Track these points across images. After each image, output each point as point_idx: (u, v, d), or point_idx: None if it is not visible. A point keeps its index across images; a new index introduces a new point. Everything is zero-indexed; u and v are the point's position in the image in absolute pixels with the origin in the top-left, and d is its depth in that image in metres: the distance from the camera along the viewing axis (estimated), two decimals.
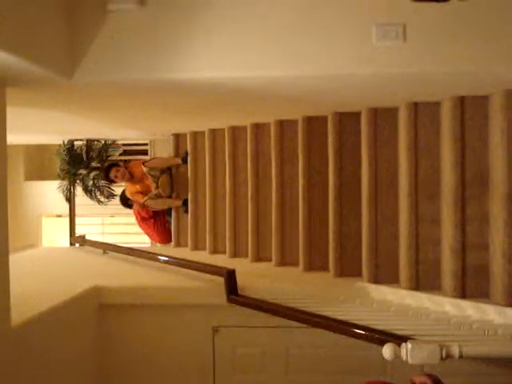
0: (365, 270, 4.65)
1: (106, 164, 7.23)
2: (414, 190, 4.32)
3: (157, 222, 7.06)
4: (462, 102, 4.07)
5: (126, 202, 6.99)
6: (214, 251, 6.12)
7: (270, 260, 5.49)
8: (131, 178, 6.76)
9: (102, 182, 7.53)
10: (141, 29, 3.36)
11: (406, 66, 3.27)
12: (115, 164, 6.97)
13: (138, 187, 6.78)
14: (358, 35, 3.29)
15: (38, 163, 10.84)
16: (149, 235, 7.40)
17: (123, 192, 7.00)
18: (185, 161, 6.54)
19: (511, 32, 3.21)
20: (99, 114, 5.02)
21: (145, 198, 6.67)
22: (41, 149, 10.38)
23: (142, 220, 7.10)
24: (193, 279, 4.76)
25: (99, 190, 7.78)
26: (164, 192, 6.65)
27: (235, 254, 5.88)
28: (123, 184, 7.07)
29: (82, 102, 4.32)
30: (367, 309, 4.22)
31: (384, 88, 3.86)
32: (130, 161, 7.61)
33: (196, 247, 6.35)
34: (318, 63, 3.30)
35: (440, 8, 3.22)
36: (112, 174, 6.73)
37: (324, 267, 5.05)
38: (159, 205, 6.76)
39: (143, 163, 6.69)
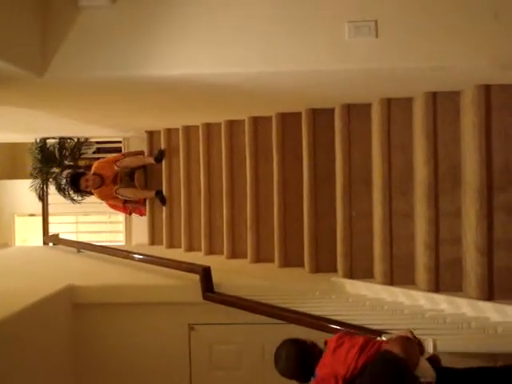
0: (340, 266, 4.67)
1: (69, 177, 6.90)
2: (387, 185, 4.35)
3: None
4: (434, 97, 4.10)
5: (77, 187, 6.68)
6: (190, 249, 6.09)
7: (246, 257, 5.48)
8: (102, 182, 6.50)
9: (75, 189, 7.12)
10: (113, 25, 3.33)
11: (378, 62, 3.30)
12: (80, 173, 6.74)
13: (103, 189, 6.58)
14: (331, 32, 3.30)
15: (10, 162, 10.70)
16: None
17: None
18: (159, 160, 6.38)
19: (481, 28, 3.24)
20: (71, 111, 4.97)
21: (116, 187, 6.55)
22: (13, 147, 10.24)
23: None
24: (168, 277, 4.73)
25: (75, 192, 7.68)
26: (139, 185, 6.60)
27: (211, 252, 5.87)
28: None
29: (54, 100, 4.28)
30: (343, 304, 4.24)
31: (357, 84, 3.88)
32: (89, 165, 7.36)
33: (171, 245, 6.32)
34: (291, 60, 3.30)
35: (412, 4, 3.26)
36: (82, 185, 6.48)
37: (299, 263, 5.06)
38: (130, 193, 6.61)
39: (115, 162, 6.57)
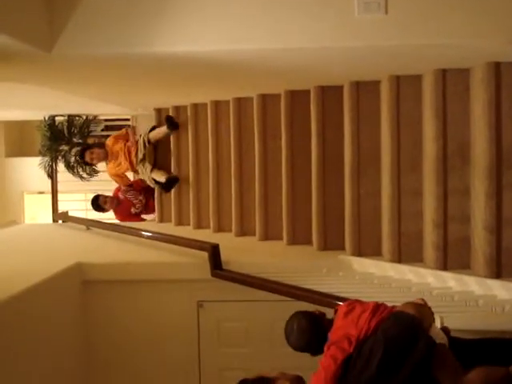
0: (348, 243, 4.68)
1: (77, 150, 7.21)
2: (396, 162, 4.33)
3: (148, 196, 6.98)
4: (443, 74, 4.07)
5: (98, 206, 6.75)
6: (198, 226, 6.11)
7: (254, 234, 5.49)
8: (107, 156, 6.67)
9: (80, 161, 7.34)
10: (120, 1, 3.31)
11: (387, 39, 3.27)
12: (87, 146, 6.91)
13: (116, 167, 6.69)
14: (340, 8, 3.27)
15: (19, 140, 10.73)
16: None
17: (95, 198, 6.78)
18: (173, 126, 6.26)
19: (492, 5, 3.20)
20: (79, 88, 4.97)
21: (142, 167, 6.50)
22: (22, 125, 10.26)
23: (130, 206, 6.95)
24: (177, 254, 4.76)
25: (81, 166, 7.70)
26: (149, 161, 6.55)
27: (219, 229, 5.88)
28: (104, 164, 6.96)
29: (61, 76, 4.27)
30: (350, 281, 4.25)
31: (366, 61, 3.85)
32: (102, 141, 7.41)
33: (180, 222, 6.33)
34: (300, 36, 3.28)
35: None
36: (87, 158, 6.67)
37: (307, 241, 5.07)
38: (163, 176, 6.44)
39: (151, 130, 6.55)
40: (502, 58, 3.76)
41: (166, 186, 6.34)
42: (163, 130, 6.37)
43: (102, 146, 6.80)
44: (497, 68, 3.81)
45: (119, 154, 6.61)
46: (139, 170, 6.59)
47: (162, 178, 6.40)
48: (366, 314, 2.70)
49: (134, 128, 7.34)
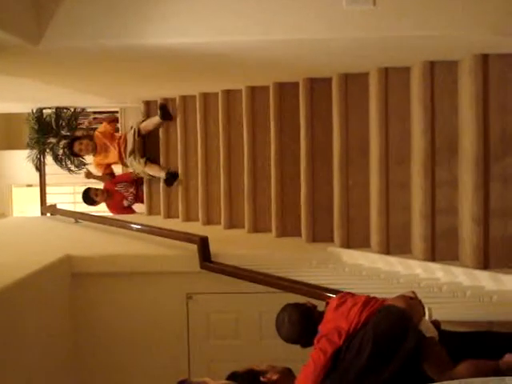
0: (337, 235, 4.70)
1: (65, 142, 7.09)
2: (384, 155, 4.35)
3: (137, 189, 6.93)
4: (431, 66, 4.08)
5: (89, 199, 6.71)
6: (187, 219, 6.10)
7: (243, 227, 5.50)
8: (95, 148, 6.60)
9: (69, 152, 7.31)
10: None
11: (375, 31, 3.27)
12: (77, 137, 6.81)
13: (104, 158, 6.67)
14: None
15: (6, 132, 10.67)
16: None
17: (86, 190, 6.75)
18: (166, 116, 6.15)
19: None
20: (68, 80, 4.94)
21: (132, 160, 6.37)
22: (9, 118, 10.20)
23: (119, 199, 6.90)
24: (166, 247, 4.75)
25: (69, 158, 7.67)
26: (140, 154, 6.43)
27: (208, 222, 5.87)
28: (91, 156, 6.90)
29: (49, 69, 4.24)
30: (339, 273, 4.27)
31: (354, 53, 3.86)
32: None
33: (169, 215, 6.32)
34: (288, 28, 3.28)
35: None
36: (76, 148, 6.60)
37: (297, 233, 5.08)
38: (157, 171, 6.33)
39: (141, 122, 6.42)
40: (490, 50, 3.78)
41: (168, 181, 6.20)
42: (156, 119, 6.26)
43: (91, 137, 6.71)
44: (484, 60, 3.83)
45: (108, 146, 6.56)
46: (129, 163, 6.50)
47: (159, 172, 6.27)
48: (356, 307, 2.71)
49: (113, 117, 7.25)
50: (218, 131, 5.70)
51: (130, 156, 6.38)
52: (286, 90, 5.12)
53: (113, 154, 6.59)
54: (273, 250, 4.84)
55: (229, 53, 3.68)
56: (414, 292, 2.85)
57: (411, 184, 4.31)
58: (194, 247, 4.44)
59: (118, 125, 6.59)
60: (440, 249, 4.15)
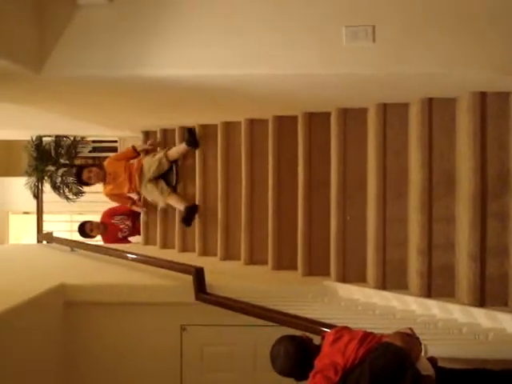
0: (333, 269, 4.68)
1: (75, 168, 6.75)
2: (382, 190, 4.36)
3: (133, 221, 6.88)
4: (430, 103, 4.12)
5: (85, 233, 6.69)
6: (183, 249, 6.08)
7: (239, 259, 5.48)
8: (104, 177, 6.23)
9: (71, 179, 7.33)
10: (110, 25, 3.36)
11: (375, 67, 3.31)
12: (85, 165, 6.67)
13: (116, 188, 6.26)
14: (328, 35, 3.33)
15: (5, 159, 10.69)
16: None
17: (81, 225, 6.72)
18: (193, 143, 5.82)
19: (479, 34, 3.26)
20: (68, 109, 4.97)
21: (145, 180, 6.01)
22: (8, 145, 10.23)
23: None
24: (161, 277, 4.73)
25: (67, 186, 7.68)
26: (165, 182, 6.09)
27: (204, 253, 5.85)
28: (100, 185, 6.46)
29: (50, 97, 4.28)
30: (335, 307, 4.25)
31: (354, 89, 3.90)
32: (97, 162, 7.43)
33: (165, 245, 6.30)
34: (288, 62, 3.32)
35: (410, 10, 3.28)
36: (85, 176, 6.23)
37: (293, 266, 5.05)
38: (161, 198, 6.06)
39: (168, 149, 6.06)
40: (489, 87, 3.82)
41: (186, 218, 5.85)
42: (182, 147, 5.93)
43: (100, 166, 6.49)
44: (482, 98, 3.87)
45: (120, 174, 6.17)
46: (144, 191, 6.15)
47: (179, 204, 5.98)
48: (353, 343, 2.68)
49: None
50: (216, 163, 5.71)
51: (149, 183, 6.04)
52: (285, 124, 5.15)
53: (125, 182, 6.19)
54: (268, 282, 4.82)
55: (228, 86, 3.72)
56: (411, 329, 2.83)
57: (408, 219, 4.32)
58: (190, 278, 4.42)
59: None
60: (436, 285, 4.14)
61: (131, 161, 6.22)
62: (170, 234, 6.26)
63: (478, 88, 3.83)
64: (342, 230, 4.61)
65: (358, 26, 3.31)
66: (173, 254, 5.81)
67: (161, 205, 6.15)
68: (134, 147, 6.38)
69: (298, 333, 3.12)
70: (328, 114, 4.76)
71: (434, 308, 3.97)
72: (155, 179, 6.04)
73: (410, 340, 2.68)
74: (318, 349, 2.83)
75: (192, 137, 5.82)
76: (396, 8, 3.31)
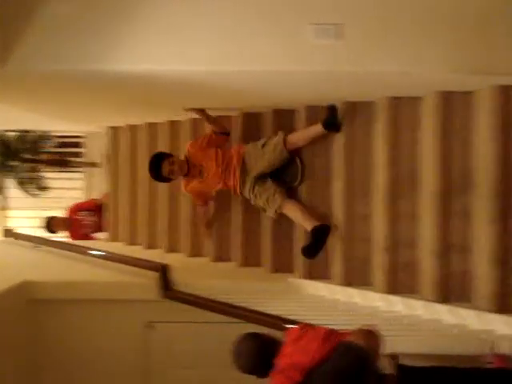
0: (298, 266, 4.69)
1: (151, 158, 4.80)
2: (347, 187, 4.38)
3: None
4: (395, 102, 4.16)
5: (50, 229, 6.62)
6: (151, 246, 6.03)
7: (207, 255, 5.46)
8: (188, 170, 4.78)
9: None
10: (74, 19, 3.32)
11: (341, 65, 3.35)
12: (164, 155, 4.83)
13: (200, 184, 4.85)
14: (296, 32, 3.36)
15: None
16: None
17: (46, 220, 6.66)
18: (332, 125, 4.28)
19: (447, 35, 3.33)
20: (32, 103, 4.90)
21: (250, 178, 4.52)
22: None
23: None
24: (127, 274, 4.70)
25: (32, 182, 7.57)
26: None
27: (171, 249, 5.81)
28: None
29: (14, 92, 4.22)
30: (301, 304, 4.28)
31: (320, 86, 3.92)
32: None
33: (132, 242, 6.23)
34: (255, 59, 3.34)
35: (378, 9, 3.32)
36: (165, 170, 4.68)
37: (259, 263, 5.05)
38: (262, 201, 4.53)
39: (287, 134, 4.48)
40: (454, 87, 3.87)
41: (314, 245, 4.23)
42: (316, 129, 4.38)
43: (172, 155, 4.91)
44: (448, 97, 3.93)
45: (209, 167, 4.73)
46: (247, 192, 4.64)
47: (302, 219, 4.38)
48: (316, 342, 2.68)
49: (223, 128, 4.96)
50: None
51: (254, 181, 4.56)
52: (253, 120, 5.13)
53: (216, 179, 4.75)
54: (235, 279, 4.81)
55: (194, 81, 3.71)
56: (374, 326, 2.84)
57: (373, 216, 4.35)
58: (156, 275, 4.40)
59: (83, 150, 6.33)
60: (400, 281, 4.17)
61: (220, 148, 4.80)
62: (136, 230, 6.20)
63: (443, 88, 3.89)
64: None
65: (326, 24, 3.33)
66: (140, 251, 5.78)
67: (270, 214, 4.58)
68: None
69: (264, 330, 3.12)
70: (296, 112, 4.76)
71: (398, 304, 4.02)
72: (262, 177, 4.57)
73: (373, 338, 2.69)
74: (280, 346, 2.82)
75: (333, 116, 4.27)
76: (365, 7, 3.35)
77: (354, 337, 2.66)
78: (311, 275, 4.60)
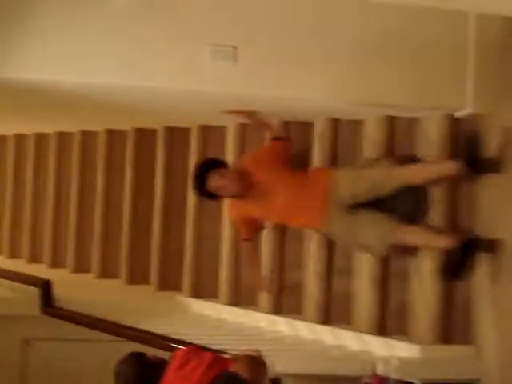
0: (186, 284, 4.67)
1: (197, 166, 3.78)
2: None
3: None
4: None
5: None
6: (33, 260, 5.80)
7: (91, 271, 5.32)
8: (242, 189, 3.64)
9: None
10: None
11: (233, 86, 3.44)
12: (211, 162, 3.73)
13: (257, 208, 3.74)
14: (191, 52, 3.41)
15: None
16: None
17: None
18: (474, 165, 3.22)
19: (333, 67, 3.51)
20: None
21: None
22: None
23: None
24: (5, 288, 4.51)
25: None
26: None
27: (55, 265, 5.60)
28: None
29: None
30: (187, 323, 4.27)
31: (212, 107, 3.98)
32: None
33: (13, 255, 5.97)
34: (148, 74, 3.39)
35: (271, 36, 3.42)
36: (212, 184, 3.59)
37: (146, 280, 4.98)
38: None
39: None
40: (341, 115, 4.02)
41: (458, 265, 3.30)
42: (447, 166, 3.36)
43: (226, 164, 3.81)
44: (335, 124, 4.06)
45: (275, 188, 3.62)
46: (333, 225, 3.62)
47: (431, 239, 3.44)
48: (200, 369, 2.61)
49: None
50: (71, 173, 5.52)
51: (344, 212, 3.56)
52: (145, 137, 5.09)
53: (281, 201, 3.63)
54: (120, 297, 4.73)
55: (87, 94, 3.68)
56: (257, 351, 2.80)
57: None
58: (36, 290, 4.25)
59: None
60: (286, 303, 4.23)
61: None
62: (19, 243, 5.94)
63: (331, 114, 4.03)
64: (197, 246, 4.63)
65: (221, 46, 3.41)
66: (21, 265, 5.54)
67: (376, 251, 3.66)
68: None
69: (148, 349, 3.06)
70: (188, 130, 4.78)
71: (282, 325, 4.08)
72: (350, 207, 3.57)
73: (256, 367, 2.64)
74: (165, 368, 2.73)
75: (475, 150, 3.32)
76: (259, 31, 3.45)
77: (238, 366, 2.60)
78: (198, 294, 4.59)
